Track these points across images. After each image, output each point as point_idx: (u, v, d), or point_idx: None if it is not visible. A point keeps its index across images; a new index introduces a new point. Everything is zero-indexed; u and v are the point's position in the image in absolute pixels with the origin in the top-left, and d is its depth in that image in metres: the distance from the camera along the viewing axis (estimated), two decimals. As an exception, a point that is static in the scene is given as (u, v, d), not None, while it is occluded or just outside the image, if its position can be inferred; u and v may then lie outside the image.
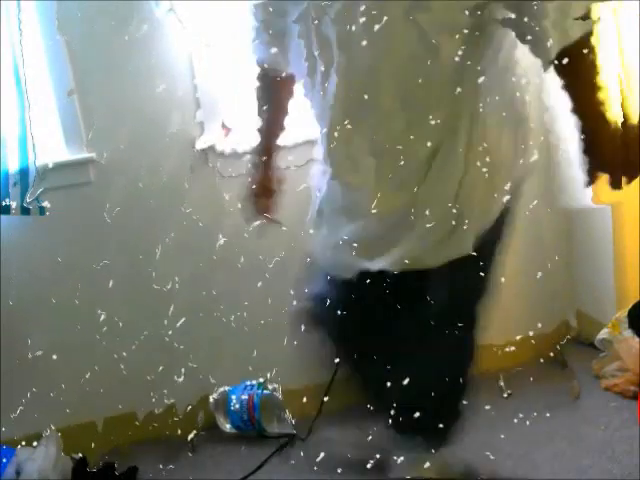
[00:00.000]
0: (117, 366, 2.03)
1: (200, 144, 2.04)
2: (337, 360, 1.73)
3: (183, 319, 2.04)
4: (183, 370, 2.07)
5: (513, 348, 2.07)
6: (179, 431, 2.14)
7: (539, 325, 2.10)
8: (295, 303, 1.67)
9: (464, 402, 1.61)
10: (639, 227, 2.02)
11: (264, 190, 1.61)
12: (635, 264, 2.11)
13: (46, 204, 1.92)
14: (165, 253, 2.02)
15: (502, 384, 2.15)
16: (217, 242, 2.02)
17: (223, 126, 2.08)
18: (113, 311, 2.02)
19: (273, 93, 1.55)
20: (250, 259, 2.06)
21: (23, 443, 2.01)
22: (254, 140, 1.62)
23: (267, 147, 1.60)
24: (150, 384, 2.07)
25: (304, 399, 2.07)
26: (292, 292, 1.68)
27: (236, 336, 2.10)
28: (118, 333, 2.03)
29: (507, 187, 1.37)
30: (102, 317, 2.00)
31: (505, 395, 2.12)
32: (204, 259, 2.06)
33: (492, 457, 1.77)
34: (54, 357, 2.00)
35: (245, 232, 1.76)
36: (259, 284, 1.98)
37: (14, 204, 1.89)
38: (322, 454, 1.91)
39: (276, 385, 2.14)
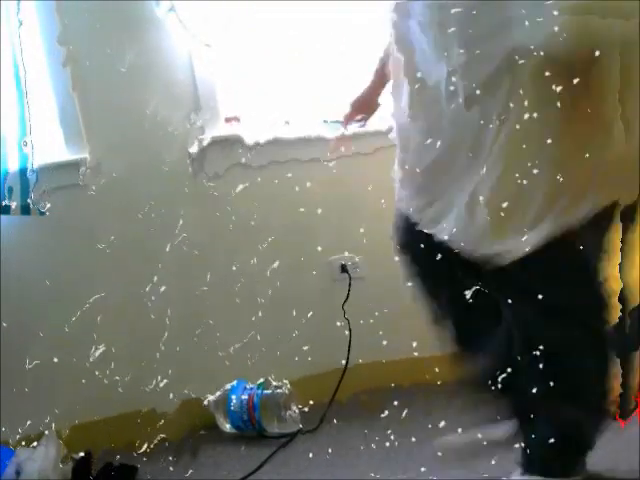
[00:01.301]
0: (115, 367, 2.04)
1: (199, 144, 2.04)
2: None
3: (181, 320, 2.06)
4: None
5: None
6: (179, 432, 2.15)
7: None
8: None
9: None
10: (639, 227, 2.02)
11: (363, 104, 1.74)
12: (635, 264, 2.11)
13: (46, 204, 1.92)
14: (163, 256, 2.04)
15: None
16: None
17: (227, 120, 2.09)
18: (112, 313, 2.02)
19: None
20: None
21: (23, 443, 2.01)
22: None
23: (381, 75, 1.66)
24: (150, 384, 2.07)
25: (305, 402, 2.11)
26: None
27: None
28: (117, 334, 2.04)
29: None
30: (100, 318, 2.01)
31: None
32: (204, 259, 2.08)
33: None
34: (55, 360, 2.01)
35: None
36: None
37: (14, 204, 1.89)
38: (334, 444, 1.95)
39: (280, 383, 2.15)
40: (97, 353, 2.03)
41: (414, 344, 1.90)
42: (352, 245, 2.15)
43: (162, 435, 2.14)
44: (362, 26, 2.02)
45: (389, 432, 1.97)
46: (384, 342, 2.03)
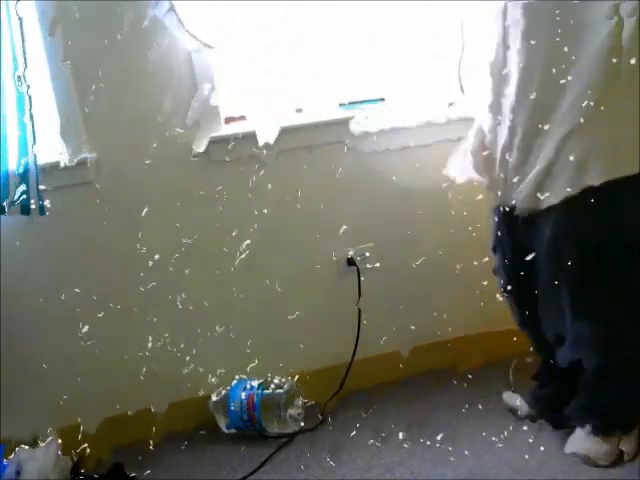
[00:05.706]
0: (115, 368, 2.05)
1: (198, 145, 2.04)
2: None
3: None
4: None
5: (515, 338, 2.03)
6: (179, 431, 2.16)
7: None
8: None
9: None
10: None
11: None
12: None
13: (46, 204, 1.92)
14: (162, 255, 2.04)
15: (511, 377, 2.15)
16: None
17: (231, 120, 2.10)
18: (111, 313, 2.02)
19: None
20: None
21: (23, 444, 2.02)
22: None
23: None
24: (150, 383, 2.07)
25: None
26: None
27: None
28: (116, 334, 2.04)
29: None
30: (100, 317, 2.01)
31: (512, 389, 2.11)
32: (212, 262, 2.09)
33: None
34: (54, 358, 2.01)
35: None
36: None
37: (14, 204, 1.89)
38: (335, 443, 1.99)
39: (280, 382, 2.15)
40: (96, 353, 2.03)
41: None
42: (361, 237, 2.19)
43: (162, 435, 2.14)
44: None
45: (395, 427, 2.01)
46: (389, 336, 2.05)
